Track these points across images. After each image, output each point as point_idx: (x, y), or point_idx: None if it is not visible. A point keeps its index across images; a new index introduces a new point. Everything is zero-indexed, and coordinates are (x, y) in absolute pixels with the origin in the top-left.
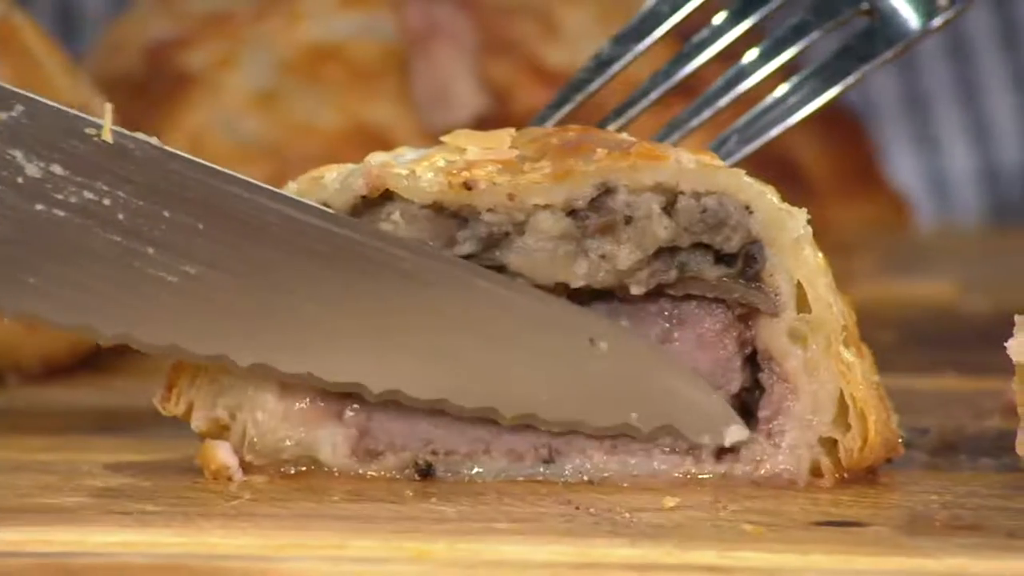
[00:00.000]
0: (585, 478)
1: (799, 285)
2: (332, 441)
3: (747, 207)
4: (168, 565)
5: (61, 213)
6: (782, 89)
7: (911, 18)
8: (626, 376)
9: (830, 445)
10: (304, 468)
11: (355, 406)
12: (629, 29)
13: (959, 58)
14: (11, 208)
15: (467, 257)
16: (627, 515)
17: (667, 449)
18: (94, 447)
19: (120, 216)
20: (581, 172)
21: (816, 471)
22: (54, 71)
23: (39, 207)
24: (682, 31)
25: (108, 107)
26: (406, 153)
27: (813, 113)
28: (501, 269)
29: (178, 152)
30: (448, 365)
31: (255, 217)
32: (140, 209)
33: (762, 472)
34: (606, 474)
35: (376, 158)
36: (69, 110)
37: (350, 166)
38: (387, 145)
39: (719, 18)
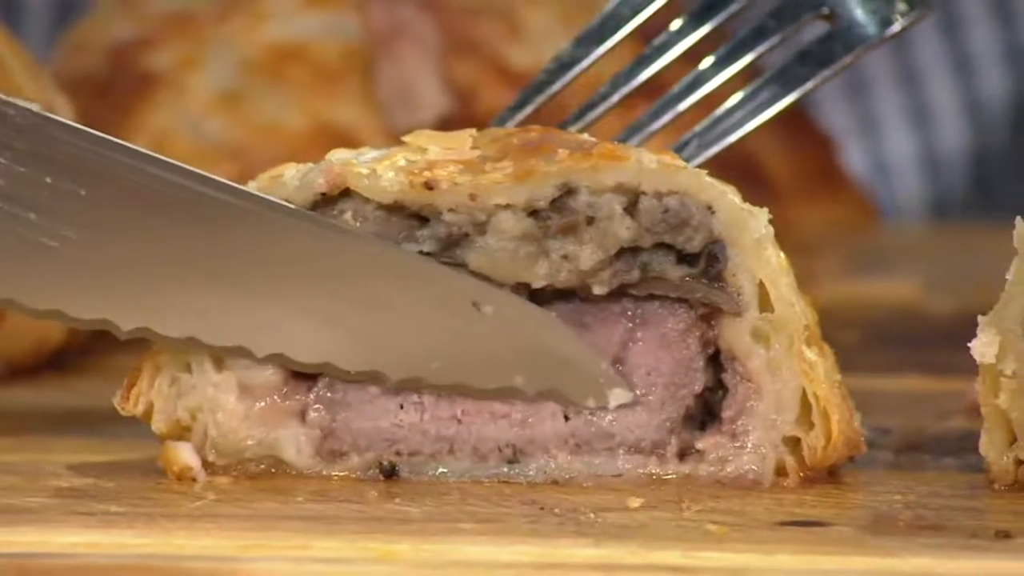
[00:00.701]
0: (549, 478)
1: (761, 285)
2: (296, 442)
3: (709, 207)
4: (132, 566)
5: None
6: (742, 93)
7: (869, 23)
8: (510, 339)
9: (794, 444)
10: (269, 469)
11: (318, 407)
12: (590, 31)
13: (899, 44)
14: None
15: (426, 256)
16: (592, 515)
17: (630, 449)
18: (58, 448)
19: (1, 182)
20: (543, 172)
21: (781, 470)
22: (16, 70)
23: None
24: (644, 33)
25: None
26: (368, 152)
27: (772, 118)
28: (462, 268)
29: (58, 118)
30: (332, 329)
31: (137, 183)
32: (21, 175)
33: (727, 472)
34: (570, 474)
35: (337, 155)
36: None
37: (310, 164)
38: (351, 145)
39: (680, 21)
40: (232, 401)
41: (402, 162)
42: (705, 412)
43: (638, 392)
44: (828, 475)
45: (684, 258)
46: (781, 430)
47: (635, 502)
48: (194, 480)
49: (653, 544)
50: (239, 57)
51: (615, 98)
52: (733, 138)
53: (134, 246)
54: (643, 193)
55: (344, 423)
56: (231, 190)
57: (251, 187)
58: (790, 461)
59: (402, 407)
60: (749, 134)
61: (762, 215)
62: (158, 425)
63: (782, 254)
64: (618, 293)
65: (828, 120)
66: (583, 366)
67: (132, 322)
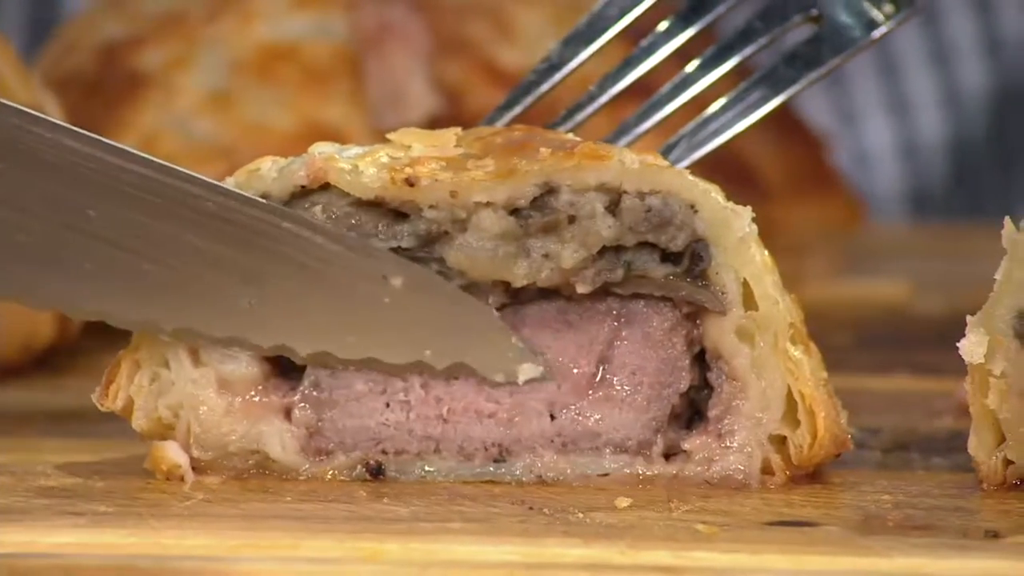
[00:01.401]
0: (536, 477)
1: (745, 283)
2: (280, 438)
3: (692, 206)
4: (121, 566)
5: None
6: (730, 95)
7: (857, 25)
8: (419, 313)
9: (780, 442)
10: (256, 467)
11: (304, 405)
12: (578, 32)
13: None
14: None
15: (405, 251)
16: (580, 515)
17: (616, 448)
18: (47, 447)
19: None
20: (524, 171)
21: (767, 469)
22: (4, 70)
23: None
24: (632, 34)
25: None
26: (351, 148)
27: (760, 120)
28: (441, 265)
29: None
30: (243, 305)
31: (58, 157)
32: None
33: (713, 472)
34: (557, 474)
35: (319, 148)
36: None
37: (291, 157)
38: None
39: (668, 22)
40: (212, 396)
41: (384, 158)
42: (691, 411)
43: (624, 391)
44: (816, 475)
45: (668, 257)
46: (767, 428)
47: (624, 502)
48: (183, 479)
49: (642, 544)
50: (229, 57)
51: (603, 99)
52: (721, 140)
53: (53, 221)
54: (625, 192)
55: (330, 421)
56: (149, 164)
57: (228, 183)
58: (776, 459)
59: (388, 406)
60: (737, 136)
61: (745, 213)
62: (139, 422)
63: (766, 252)
64: (603, 292)
65: (807, 112)
66: (493, 341)
67: (45, 301)
